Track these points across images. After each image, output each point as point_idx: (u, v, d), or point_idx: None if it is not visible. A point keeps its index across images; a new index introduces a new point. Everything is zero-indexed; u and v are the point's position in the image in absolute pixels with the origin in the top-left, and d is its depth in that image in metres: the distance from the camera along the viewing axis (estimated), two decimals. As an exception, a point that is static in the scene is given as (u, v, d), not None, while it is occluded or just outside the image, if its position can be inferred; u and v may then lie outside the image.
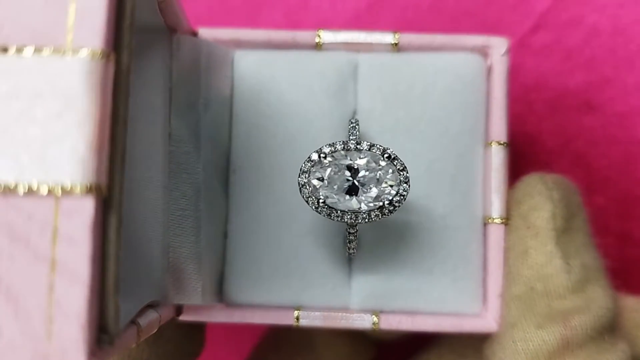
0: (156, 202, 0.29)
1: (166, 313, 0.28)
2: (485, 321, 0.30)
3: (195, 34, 0.31)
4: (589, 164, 0.36)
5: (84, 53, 0.19)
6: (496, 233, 0.30)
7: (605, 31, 0.36)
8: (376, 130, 0.31)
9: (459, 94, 0.31)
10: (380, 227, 0.30)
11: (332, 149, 0.27)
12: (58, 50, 0.19)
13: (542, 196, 0.29)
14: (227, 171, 0.32)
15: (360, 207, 0.27)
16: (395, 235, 0.31)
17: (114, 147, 0.20)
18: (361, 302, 0.31)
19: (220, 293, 0.31)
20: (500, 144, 0.30)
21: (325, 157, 0.27)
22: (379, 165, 0.27)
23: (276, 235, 0.31)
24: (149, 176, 0.29)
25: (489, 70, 0.31)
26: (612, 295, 0.28)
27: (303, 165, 0.27)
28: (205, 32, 0.31)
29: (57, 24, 0.20)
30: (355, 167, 0.27)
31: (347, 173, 0.27)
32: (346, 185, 0.27)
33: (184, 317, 0.30)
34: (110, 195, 0.20)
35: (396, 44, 0.31)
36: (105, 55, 0.19)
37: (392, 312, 0.30)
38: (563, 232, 0.29)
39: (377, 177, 0.27)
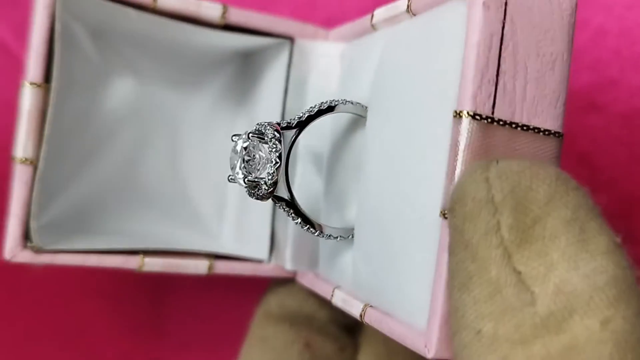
0: None
1: (266, 269, 0.36)
2: (418, 342, 0.24)
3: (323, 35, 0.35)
4: (593, 164, 0.35)
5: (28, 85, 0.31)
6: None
7: (611, 32, 0.36)
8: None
9: (436, 54, 0.25)
10: (366, 214, 0.29)
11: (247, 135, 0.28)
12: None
13: (477, 201, 0.21)
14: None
15: (258, 186, 0.28)
16: (375, 228, 0.28)
17: (41, 140, 0.31)
18: (355, 290, 0.30)
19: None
20: (469, 115, 0.23)
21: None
22: (260, 148, 0.28)
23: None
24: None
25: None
26: (625, 327, 0.18)
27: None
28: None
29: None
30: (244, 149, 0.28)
31: (233, 155, 0.29)
32: (237, 167, 0.28)
33: (298, 279, 0.35)
34: (36, 164, 0.31)
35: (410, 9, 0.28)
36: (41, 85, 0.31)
37: (372, 307, 0.28)
38: (519, 246, 0.20)
39: (258, 159, 0.28)
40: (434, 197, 0.24)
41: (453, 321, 0.21)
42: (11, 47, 0.40)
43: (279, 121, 0.29)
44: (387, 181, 0.27)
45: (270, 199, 0.29)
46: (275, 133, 0.28)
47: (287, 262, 0.34)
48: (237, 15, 0.35)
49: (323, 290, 0.32)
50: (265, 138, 0.28)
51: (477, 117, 0.23)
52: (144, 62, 0.38)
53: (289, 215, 0.30)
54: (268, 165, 0.28)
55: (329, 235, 0.30)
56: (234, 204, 0.39)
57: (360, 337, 0.35)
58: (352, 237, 0.30)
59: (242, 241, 0.37)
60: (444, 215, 0.23)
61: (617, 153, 0.35)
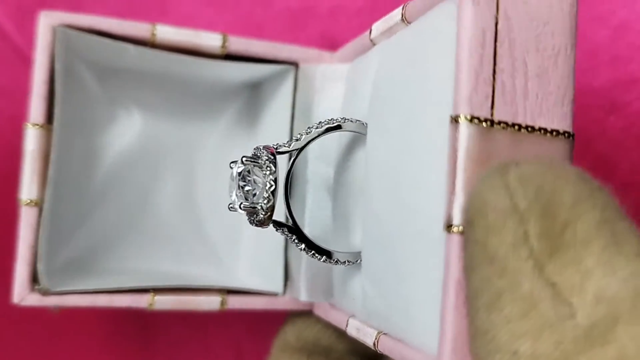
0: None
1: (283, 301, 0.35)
2: None
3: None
4: (611, 166, 0.33)
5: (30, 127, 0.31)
6: (456, 247, 0.21)
7: (633, 28, 0.33)
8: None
9: (429, 59, 0.24)
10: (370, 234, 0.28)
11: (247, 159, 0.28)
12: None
13: (499, 211, 0.19)
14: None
15: (256, 212, 0.27)
16: (380, 248, 0.27)
17: (45, 181, 0.31)
18: (367, 318, 0.29)
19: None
20: (467, 118, 0.21)
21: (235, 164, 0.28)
22: (255, 173, 0.27)
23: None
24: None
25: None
26: None
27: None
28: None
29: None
30: (239, 175, 0.28)
31: (231, 182, 0.28)
32: (234, 194, 0.28)
33: (315, 311, 0.34)
34: (41, 206, 0.31)
35: (404, 18, 0.27)
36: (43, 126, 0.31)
37: (385, 334, 0.27)
38: (551, 256, 0.18)
39: (254, 184, 0.27)
40: (437, 210, 0.22)
41: (481, 345, 0.19)
42: (9, 32, 0.40)
43: (275, 145, 0.28)
44: (389, 198, 0.26)
45: (270, 225, 0.28)
46: (270, 156, 0.27)
47: (301, 294, 0.33)
48: (238, 44, 0.34)
49: (338, 320, 0.31)
50: (260, 162, 0.27)
51: (475, 120, 0.21)
52: (151, 98, 0.38)
53: (292, 242, 0.29)
54: (264, 189, 0.27)
55: (337, 261, 0.29)
56: (248, 236, 0.38)
57: None
58: (361, 261, 0.29)
59: (256, 274, 0.36)
60: (448, 228, 0.21)
61: (637, 155, 0.33)
